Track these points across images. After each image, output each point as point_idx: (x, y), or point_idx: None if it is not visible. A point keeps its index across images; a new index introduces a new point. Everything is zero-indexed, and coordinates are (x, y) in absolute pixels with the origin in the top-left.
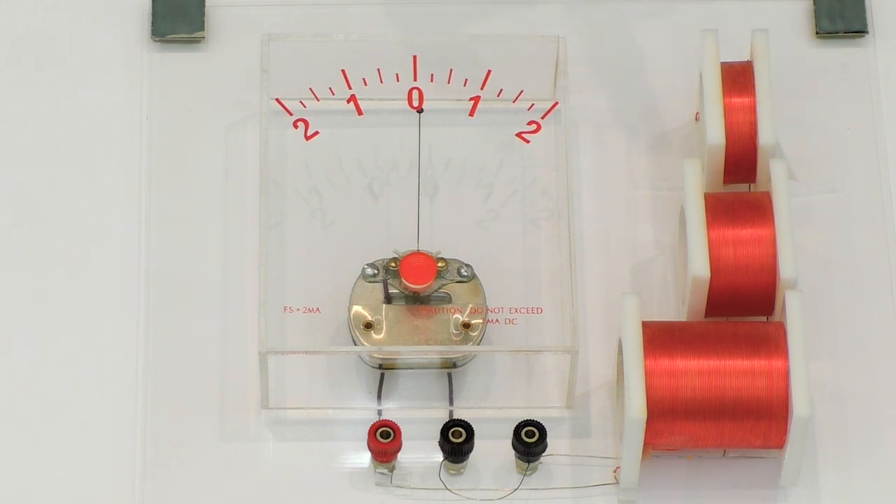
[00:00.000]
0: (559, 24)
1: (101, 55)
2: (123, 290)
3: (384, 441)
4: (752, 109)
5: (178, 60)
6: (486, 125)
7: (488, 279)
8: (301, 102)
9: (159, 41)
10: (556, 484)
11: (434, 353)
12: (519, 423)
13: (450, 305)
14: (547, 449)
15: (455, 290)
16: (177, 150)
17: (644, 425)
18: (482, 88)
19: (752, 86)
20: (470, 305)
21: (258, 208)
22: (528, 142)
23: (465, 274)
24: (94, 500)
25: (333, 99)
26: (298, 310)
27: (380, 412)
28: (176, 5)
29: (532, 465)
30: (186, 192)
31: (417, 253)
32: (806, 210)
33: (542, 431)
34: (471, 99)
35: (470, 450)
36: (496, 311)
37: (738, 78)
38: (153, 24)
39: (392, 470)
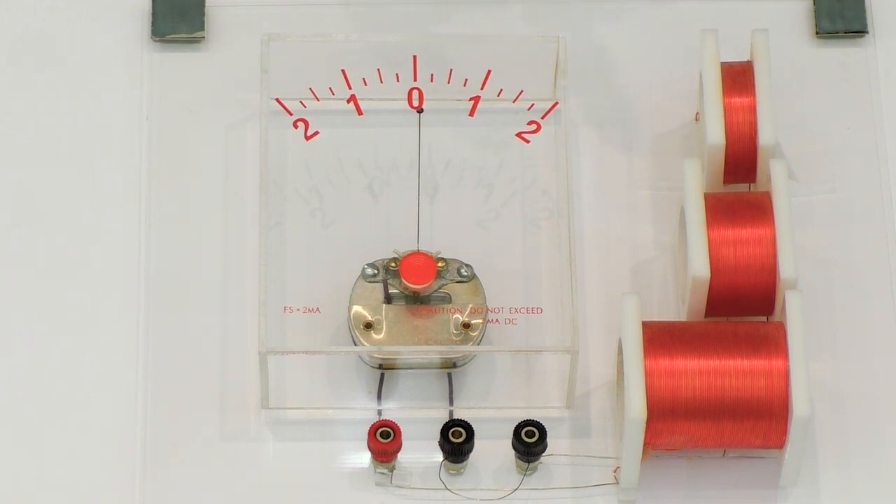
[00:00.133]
0: (559, 24)
1: (101, 55)
2: (123, 290)
3: (384, 441)
4: (752, 109)
5: (178, 60)
6: (486, 125)
7: (488, 279)
8: (301, 102)
9: (159, 41)
10: (556, 484)
11: (434, 353)
12: (519, 423)
13: (450, 305)
14: (547, 449)
15: (455, 290)
16: (177, 150)
17: (644, 425)
18: (482, 88)
19: (752, 86)
20: (470, 305)
21: (258, 208)
22: (528, 142)
23: (465, 274)
24: (94, 500)
25: (333, 99)
26: (298, 310)
27: (380, 412)
28: (176, 5)
29: (532, 465)
30: (186, 192)
31: (417, 253)
32: (806, 210)
33: (542, 431)
34: (471, 99)
35: (470, 450)
36: (496, 311)
37: (738, 78)
38: (153, 24)
39: (392, 470)
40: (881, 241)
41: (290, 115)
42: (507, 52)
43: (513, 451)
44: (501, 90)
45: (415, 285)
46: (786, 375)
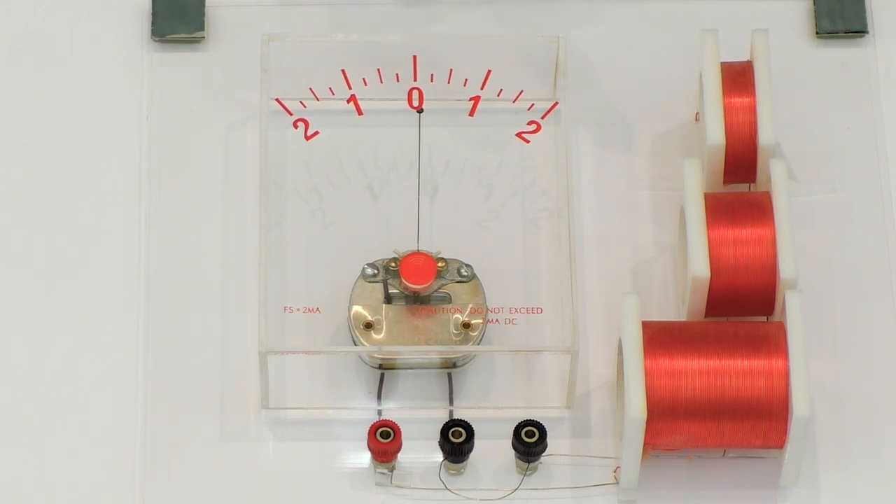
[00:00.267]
0: (559, 24)
1: (101, 55)
2: (123, 290)
3: (384, 441)
4: (752, 109)
5: (178, 60)
6: (486, 125)
7: (488, 279)
8: (301, 102)
9: (159, 41)
10: (556, 484)
11: (434, 353)
12: (519, 423)
13: (450, 305)
14: (547, 449)
15: (455, 290)
16: (177, 150)
17: (644, 425)
18: (482, 88)
19: (752, 86)
20: (470, 305)
21: (258, 208)
22: (528, 142)
23: (465, 274)
24: (94, 500)
25: (333, 99)
26: (298, 310)
27: (380, 412)
28: (176, 5)
29: (532, 465)
30: (186, 192)
31: (417, 253)
32: (806, 210)
33: (542, 431)
34: (471, 99)
35: (470, 450)
36: (496, 311)
37: (738, 78)
38: (153, 24)
39: (392, 470)
40: (881, 241)
41: (290, 115)
42: (507, 52)
43: (513, 451)
44: (501, 90)
45: (415, 285)
46: (786, 375)
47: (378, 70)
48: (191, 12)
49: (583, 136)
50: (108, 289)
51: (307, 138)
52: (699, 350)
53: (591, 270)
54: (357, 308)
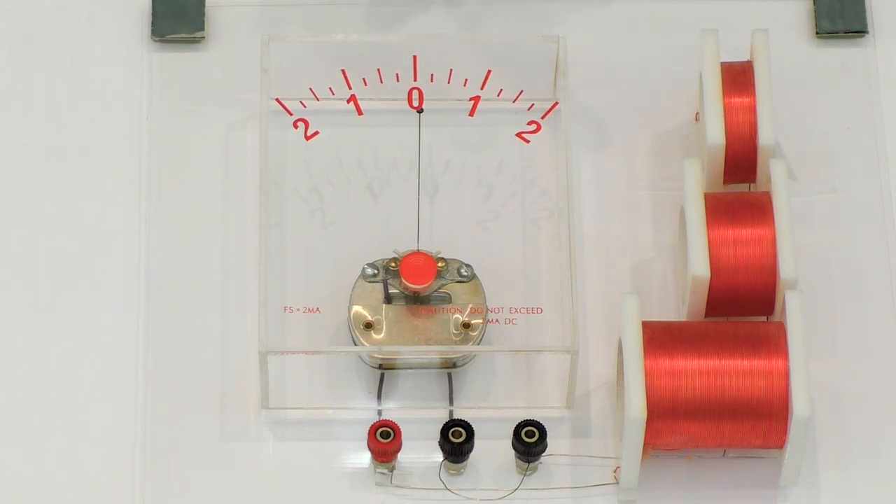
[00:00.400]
0: (559, 24)
1: (101, 55)
2: (123, 290)
3: (384, 441)
4: (752, 109)
5: (178, 60)
6: (486, 125)
7: (488, 279)
8: (301, 102)
9: (159, 41)
10: (556, 484)
11: (434, 353)
12: (519, 423)
13: (450, 305)
14: (547, 449)
15: (455, 290)
16: (177, 150)
17: (644, 425)
18: (482, 88)
19: (752, 86)
20: (470, 305)
21: (258, 208)
22: (528, 142)
23: (465, 274)
24: (94, 500)
25: (333, 99)
26: (298, 310)
27: (380, 412)
28: (176, 5)
29: (532, 465)
30: (186, 192)
31: (417, 253)
32: (806, 210)
33: (542, 431)
34: (471, 99)
35: (470, 450)
36: (496, 311)
37: (738, 78)
38: (153, 24)
39: (392, 470)
40: (881, 241)
41: (290, 115)
42: (507, 52)
43: (513, 451)
44: (501, 90)
45: (415, 285)
46: (786, 375)
47: (378, 70)
48: (191, 12)
49: (583, 136)
50: (109, 289)
51: (307, 138)
52: (699, 350)
53: (591, 270)
54: (357, 308)
